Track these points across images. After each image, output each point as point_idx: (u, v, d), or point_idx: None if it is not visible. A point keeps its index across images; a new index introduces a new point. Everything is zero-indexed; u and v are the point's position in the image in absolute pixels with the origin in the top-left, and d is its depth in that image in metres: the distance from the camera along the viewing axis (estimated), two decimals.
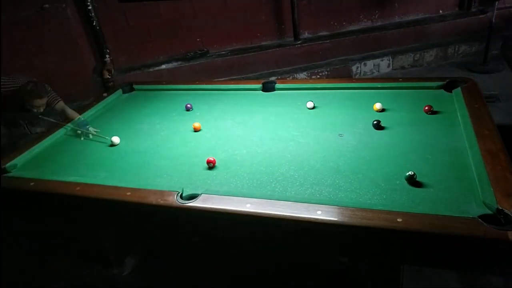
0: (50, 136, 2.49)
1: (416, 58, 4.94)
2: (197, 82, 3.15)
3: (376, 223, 1.37)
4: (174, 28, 4.77)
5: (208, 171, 1.91)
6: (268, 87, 2.80)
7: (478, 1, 4.93)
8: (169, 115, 2.65)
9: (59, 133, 2.55)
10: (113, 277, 2.45)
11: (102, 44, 4.63)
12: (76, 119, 2.57)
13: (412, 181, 1.59)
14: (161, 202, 1.66)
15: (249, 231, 1.68)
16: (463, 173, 1.61)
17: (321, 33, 5.05)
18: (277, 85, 2.80)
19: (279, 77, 4.73)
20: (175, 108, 2.74)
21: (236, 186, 1.77)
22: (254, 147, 2.09)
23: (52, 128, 2.61)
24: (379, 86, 2.58)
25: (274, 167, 1.87)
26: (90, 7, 4.40)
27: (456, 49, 4.95)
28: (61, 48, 4.47)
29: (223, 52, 4.92)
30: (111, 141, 2.30)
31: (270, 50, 4.89)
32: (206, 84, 3.12)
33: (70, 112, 2.67)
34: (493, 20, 4.34)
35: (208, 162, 1.92)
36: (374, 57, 4.92)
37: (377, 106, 2.26)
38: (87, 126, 2.49)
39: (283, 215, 1.48)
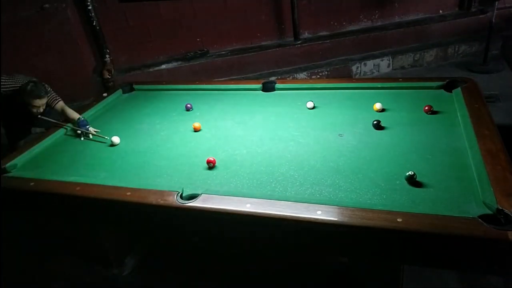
0: (50, 136, 2.49)
1: (416, 58, 4.94)
2: (197, 82, 3.15)
3: (376, 223, 1.37)
4: (174, 28, 4.77)
5: (208, 171, 1.91)
6: (268, 87, 2.80)
7: (478, 1, 4.93)
8: (169, 115, 2.65)
9: (59, 133, 2.55)
10: (113, 277, 2.45)
11: (102, 44, 4.63)
12: (76, 119, 2.57)
13: (412, 181, 1.59)
14: (161, 202, 1.66)
15: (249, 231, 1.68)
16: (463, 173, 1.61)
17: (321, 33, 5.05)
18: (277, 85, 2.80)
19: (279, 77, 4.73)
20: (175, 108, 2.74)
21: (236, 186, 1.77)
22: (254, 147, 2.09)
23: (52, 128, 2.61)
24: (379, 86, 2.57)
25: (274, 167, 1.87)
26: (90, 7, 4.40)
27: (456, 49, 4.95)
28: (61, 48, 4.48)
29: (223, 52, 4.92)
30: (111, 141, 2.30)
31: (270, 50, 4.89)
32: (206, 84, 3.12)
33: (70, 112, 2.67)
34: (493, 20, 4.34)
35: (208, 162, 1.92)
36: (374, 57, 4.92)
37: (377, 106, 2.26)
38: (87, 126, 2.49)
39: (283, 215, 1.48)
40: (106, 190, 1.81)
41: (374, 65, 4.93)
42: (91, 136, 2.47)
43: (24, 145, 2.61)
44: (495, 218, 1.31)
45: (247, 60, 4.87)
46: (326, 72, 4.87)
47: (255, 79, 4.63)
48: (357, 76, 4.89)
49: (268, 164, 1.90)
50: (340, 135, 2.09)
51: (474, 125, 1.85)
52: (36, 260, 2.66)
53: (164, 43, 4.84)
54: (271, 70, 4.93)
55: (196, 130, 2.36)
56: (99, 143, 2.38)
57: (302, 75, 4.86)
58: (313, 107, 2.44)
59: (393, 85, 2.55)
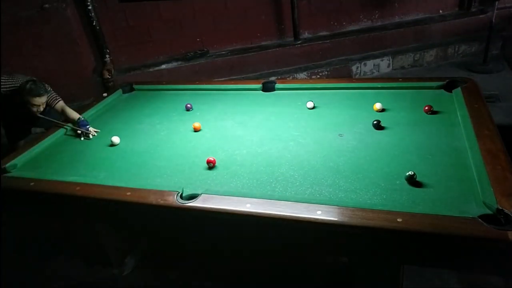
0: (50, 136, 2.49)
1: (416, 58, 4.94)
2: (197, 82, 3.15)
3: (376, 223, 1.37)
4: (174, 28, 4.77)
5: (208, 171, 1.91)
6: (268, 87, 2.80)
7: (478, 1, 4.93)
8: (169, 115, 2.65)
9: (59, 133, 2.55)
10: (113, 277, 2.45)
11: (102, 44, 4.63)
12: (77, 119, 2.57)
13: (412, 181, 1.59)
14: (161, 202, 1.66)
15: (249, 231, 1.68)
16: (463, 173, 1.61)
17: (321, 33, 5.05)
18: (277, 85, 2.80)
19: (279, 77, 4.73)
20: (175, 108, 2.74)
21: (236, 186, 1.77)
22: (254, 147, 2.09)
23: (52, 128, 2.61)
24: (379, 86, 2.57)
25: (274, 167, 1.87)
26: (90, 7, 4.40)
27: (456, 49, 4.95)
28: (61, 48, 4.48)
29: (223, 52, 4.92)
30: (111, 141, 2.30)
31: (270, 50, 4.89)
32: (206, 84, 3.12)
33: (70, 112, 2.67)
34: (493, 20, 4.34)
35: (208, 162, 1.93)
36: (374, 57, 4.92)
37: (377, 106, 2.26)
38: (87, 126, 2.49)
39: (283, 215, 1.48)
40: (106, 190, 1.81)
41: (374, 65, 4.93)
42: (91, 136, 2.47)
43: (24, 145, 2.61)
44: (495, 218, 1.31)
45: (247, 60, 4.87)
46: (326, 72, 4.87)
47: (255, 79, 4.63)
48: (357, 76, 4.89)
49: (268, 164, 1.90)
50: (340, 135, 2.09)
51: (474, 125, 1.85)
52: (36, 260, 2.66)
53: (164, 43, 4.84)
54: (271, 70, 4.93)
55: (196, 130, 2.36)
56: (99, 143, 2.38)
57: (302, 75, 4.86)
58: (313, 107, 2.44)
59: (393, 85, 2.55)
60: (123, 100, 3.06)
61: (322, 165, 1.83)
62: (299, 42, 4.89)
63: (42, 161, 2.25)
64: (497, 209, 1.33)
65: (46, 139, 2.45)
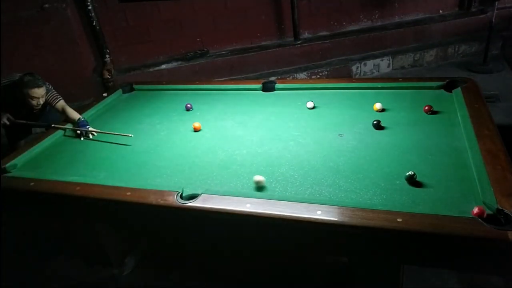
0: (50, 136, 2.49)
1: (416, 58, 4.94)
2: (197, 82, 3.15)
3: (376, 223, 1.37)
4: (174, 28, 4.77)
5: (208, 171, 1.91)
6: (268, 87, 2.80)
7: (478, 1, 4.93)
8: (169, 115, 2.65)
9: (59, 133, 2.55)
10: (113, 277, 2.45)
11: (102, 44, 4.63)
12: (77, 119, 2.57)
13: (412, 181, 1.59)
14: (161, 202, 1.66)
15: (249, 231, 1.68)
16: (463, 173, 1.61)
17: (321, 33, 5.05)
18: (277, 85, 2.80)
19: (279, 77, 4.73)
20: (175, 108, 2.74)
21: (236, 186, 1.77)
22: (254, 147, 2.09)
23: (52, 128, 2.61)
24: (379, 86, 2.58)
25: (274, 167, 1.87)
26: (90, 7, 4.40)
27: (456, 49, 4.95)
28: (61, 48, 4.48)
29: (223, 52, 4.92)
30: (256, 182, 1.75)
31: (270, 50, 4.89)
32: (206, 84, 3.12)
33: (71, 111, 2.67)
34: (493, 20, 4.34)
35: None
36: (374, 57, 4.92)
37: (377, 106, 2.26)
38: (87, 126, 2.49)
39: (283, 215, 1.48)
40: (106, 190, 1.81)
41: (374, 65, 4.93)
42: (91, 136, 2.47)
43: (24, 145, 2.61)
44: (495, 218, 1.31)
45: (247, 60, 4.87)
46: (326, 72, 4.87)
47: (255, 79, 4.63)
48: (357, 76, 4.89)
49: (268, 164, 1.91)
50: (340, 135, 2.09)
51: (474, 125, 1.85)
52: (36, 260, 2.66)
53: (164, 43, 4.84)
54: (271, 70, 4.93)
55: (196, 130, 2.36)
56: (99, 143, 2.39)
57: (302, 75, 4.86)
58: (313, 107, 2.44)
59: (393, 85, 2.55)
60: (123, 100, 3.06)
61: (322, 165, 1.83)
62: (299, 42, 4.89)
63: (42, 161, 2.25)
64: (497, 209, 1.33)
65: (46, 139, 2.45)
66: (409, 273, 2.06)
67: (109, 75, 4.57)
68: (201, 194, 1.66)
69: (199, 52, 4.86)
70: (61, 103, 2.73)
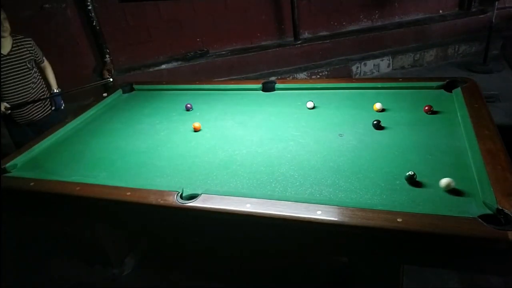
0: (50, 136, 2.49)
1: (416, 58, 4.94)
2: (197, 82, 3.15)
3: (376, 223, 1.36)
4: (174, 28, 4.77)
5: (208, 171, 1.91)
6: (268, 87, 2.80)
7: (478, 1, 4.94)
8: (169, 115, 2.65)
9: (59, 133, 2.55)
10: (113, 277, 2.45)
11: (102, 44, 4.63)
12: (53, 88, 2.67)
13: (412, 181, 1.59)
14: (161, 202, 1.66)
15: (249, 231, 1.68)
16: (463, 173, 1.61)
17: (321, 33, 5.05)
18: (277, 85, 2.80)
19: (279, 77, 4.73)
20: (175, 108, 2.74)
21: (236, 186, 1.76)
22: (254, 147, 2.09)
23: (52, 128, 2.61)
24: (379, 86, 2.57)
25: (274, 167, 1.87)
26: (90, 7, 4.41)
27: (456, 49, 4.95)
28: (61, 48, 4.48)
29: (223, 52, 4.92)
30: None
31: (270, 50, 4.89)
32: (206, 84, 3.12)
33: (51, 77, 2.81)
34: (493, 20, 4.34)
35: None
36: (374, 57, 4.93)
37: (377, 106, 2.26)
38: (61, 102, 2.57)
39: (283, 215, 1.48)
40: (106, 190, 1.80)
41: (374, 65, 4.93)
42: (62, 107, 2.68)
43: (24, 145, 2.61)
44: (495, 218, 1.31)
45: (247, 60, 4.87)
46: (326, 72, 4.87)
47: (255, 79, 4.63)
48: (357, 76, 4.89)
49: (268, 164, 1.90)
50: (340, 135, 2.09)
51: (474, 125, 1.85)
52: (36, 260, 2.66)
53: (164, 43, 4.84)
54: (271, 70, 4.93)
55: (196, 130, 2.36)
56: (99, 142, 2.39)
57: (302, 75, 4.86)
58: (313, 107, 2.44)
59: (393, 85, 2.54)
60: (123, 100, 3.06)
61: (322, 165, 1.83)
62: (299, 42, 4.89)
63: (42, 161, 2.25)
64: (497, 209, 1.33)
65: (46, 139, 2.45)
66: (409, 273, 2.07)
67: (109, 75, 4.57)
68: (201, 194, 1.66)
69: (199, 52, 4.87)
70: (46, 64, 2.86)
